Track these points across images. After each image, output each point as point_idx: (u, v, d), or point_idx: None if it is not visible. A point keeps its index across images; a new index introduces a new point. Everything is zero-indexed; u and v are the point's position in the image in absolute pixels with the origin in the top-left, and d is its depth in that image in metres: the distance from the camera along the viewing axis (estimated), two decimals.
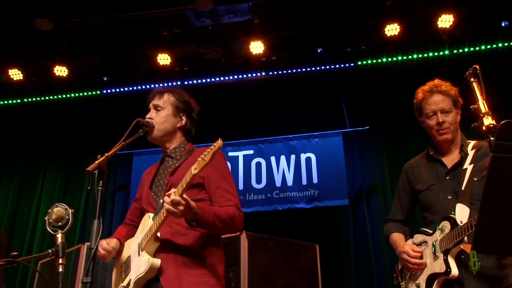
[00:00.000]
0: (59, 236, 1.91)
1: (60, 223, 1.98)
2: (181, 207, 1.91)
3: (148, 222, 2.18)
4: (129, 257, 2.20)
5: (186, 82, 6.68)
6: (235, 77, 6.67)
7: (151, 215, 2.17)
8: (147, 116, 2.33)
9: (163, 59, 6.25)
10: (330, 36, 6.05)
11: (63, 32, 6.10)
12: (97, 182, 1.85)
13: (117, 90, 6.80)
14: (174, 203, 1.91)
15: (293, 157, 6.40)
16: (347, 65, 6.35)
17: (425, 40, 5.96)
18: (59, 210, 2.02)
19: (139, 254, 2.11)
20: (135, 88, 6.75)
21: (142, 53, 6.55)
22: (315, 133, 6.42)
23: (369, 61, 6.28)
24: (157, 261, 2.04)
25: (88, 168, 1.82)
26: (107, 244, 2.21)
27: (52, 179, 7.10)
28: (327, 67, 6.43)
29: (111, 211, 6.69)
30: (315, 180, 6.22)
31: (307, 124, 6.47)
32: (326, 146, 6.29)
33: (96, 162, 1.89)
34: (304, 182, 6.22)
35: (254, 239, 3.72)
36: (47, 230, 1.96)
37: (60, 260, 1.84)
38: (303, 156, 6.38)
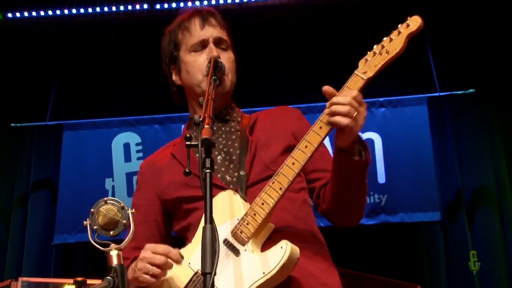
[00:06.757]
0: (113, 254, 1.72)
1: (112, 232, 1.75)
2: (365, 110, 1.90)
3: (235, 202, 2.05)
4: (195, 276, 2.03)
5: (158, 6, 5.70)
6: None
7: (230, 192, 2.07)
8: (211, 54, 2.22)
9: None
10: None
11: None
12: (204, 161, 1.67)
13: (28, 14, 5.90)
14: (358, 101, 1.87)
15: None
16: None
17: None
18: (109, 209, 1.77)
19: (237, 254, 1.97)
20: (58, 12, 5.85)
21: None
22: (380, 99, 5.66)
23: None
24: (296, 248, 1.92)
25: (206, 136, 1.69)
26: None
27: None
28: None
29: (21, 225, 5.94)
30: (381, 179, 5.53)
31: (368, 83, 5.36)
32: (401, 121, 5.61)
33: (207, 125, 1.74)
34: None
35: None
36: (91, 243, 1.75)
37: None
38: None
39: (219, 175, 2.17)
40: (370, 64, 1.92)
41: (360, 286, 4.52)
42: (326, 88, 1.94)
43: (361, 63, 1.93)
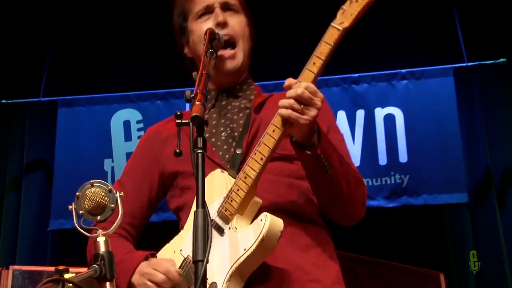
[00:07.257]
0: (100, 240, 1.74)
1: (99, 217, 1.75)
2: (320, 101, 1.88)
3: (223, 181, 2.09)
4: (184, 262, 2.09)
5: None
6: None
7: (218, 170, 2.12)
8: (216, 20, 2.23)
9: None
10: None
11: None
12: (195, 141, 1.67)
13: None
14: (312, 91, 1.87)
15: (360, 113, 5.67)
16: None
17: None
18: (96, 192, 1.76)
19: (221, 233, 2.02)
20: None
21: None
22: (402, 71, 5.61)
23: None
24: (278, 219, 1.91)
25: (196, 113, 1.68)
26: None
27: None
28: None
29: (15, 210, 5.90)
30: (403, 158, 5.48)
31: (388, 54, 5.77)
32: (424, 95, 5.55)
33: (198, 102, 1.74)
34: (383, 160, 5.54)
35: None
36: (77, 228, 1.75)
37: (108, 285, 1.70)
38: (380, 113, 5.63)
39: (220, 153, 2.20)
40: (347, 13, 1.94)
41: (379, 273, 4.53)
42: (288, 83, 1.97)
43: (339, 13, 1.95)
